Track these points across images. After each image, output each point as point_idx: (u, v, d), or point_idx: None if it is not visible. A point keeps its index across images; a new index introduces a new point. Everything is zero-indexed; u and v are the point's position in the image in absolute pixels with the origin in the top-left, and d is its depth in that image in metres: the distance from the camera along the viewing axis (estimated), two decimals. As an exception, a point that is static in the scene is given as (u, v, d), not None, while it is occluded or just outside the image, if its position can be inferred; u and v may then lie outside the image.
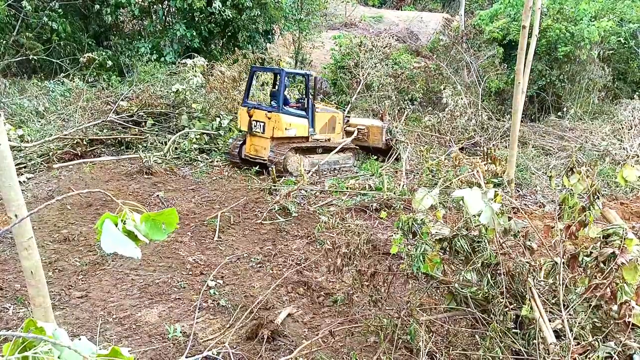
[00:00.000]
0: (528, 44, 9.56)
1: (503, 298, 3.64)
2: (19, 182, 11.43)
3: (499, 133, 15.00)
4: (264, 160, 11.79)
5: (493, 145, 13.46)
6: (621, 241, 3.63)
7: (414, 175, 11.54)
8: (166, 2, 20.19)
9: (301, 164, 11.80)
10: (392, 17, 33.08)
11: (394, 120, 14.93)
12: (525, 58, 9.54)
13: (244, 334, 5.78)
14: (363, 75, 19.40)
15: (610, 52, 21.79)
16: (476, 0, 33.27)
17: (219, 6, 18.60)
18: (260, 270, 7.51)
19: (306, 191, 10.42)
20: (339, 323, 5.84)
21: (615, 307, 3.69)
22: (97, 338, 5.86)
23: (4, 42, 18.15)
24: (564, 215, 3.98)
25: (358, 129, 13.56)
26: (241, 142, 12.45)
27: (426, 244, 4.02)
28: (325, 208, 9.77)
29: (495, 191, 3.87)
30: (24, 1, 17.68)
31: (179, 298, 6.76)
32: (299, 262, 7.67)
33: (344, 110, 15.15)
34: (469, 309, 3.84)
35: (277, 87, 12.24)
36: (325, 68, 22.78)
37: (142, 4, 20.43)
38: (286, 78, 12.14)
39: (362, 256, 4.65)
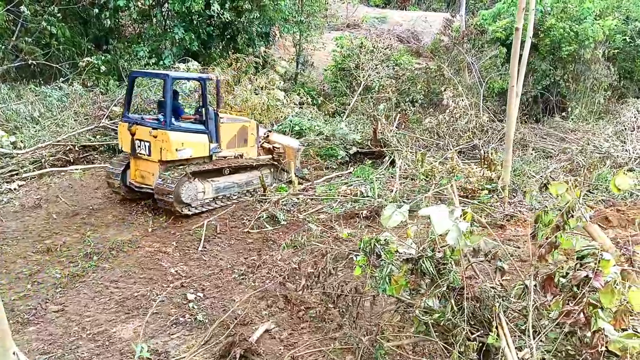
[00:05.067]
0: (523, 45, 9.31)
1: (467, 325, 3.42)
2: (11, 189, 11.38)
3: (499, 135, 14.70)
4: (152, 188, 9.50)
5: (492, 148, 13.17)
6: (595, 264, 3.40)
7: (410, 180, 11.26)
8: (166, 5, 20.07)
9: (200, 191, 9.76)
10: (396, 17, 32.78)
11: (390, 124, 14.65)
12: (520, 60, 9.28)
13: (218, 352, 5.59)
14: (363, 77, 19.19)
15: (616, 50, 21.43)
16: (481, 0, 32.93)
17: (217, 9, 18.42)
18: (242, 282, 7.32)
19: (297, 198, 10.20)
20: (316, 340, 5.63)
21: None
22: (67, 356, 5.71)
23: (3, 47, 18.07)
24: (538, 235, 3.76)
25: (274, 147, 11.69)
26: (124, 165, 10.06)
27: (392, 264, 3.82)
28: (314, 216, 9.56)
29: (464, 209, 3.65)
30: (23, 6, 17.61)
31: (156, 312, 6.58)
32: (282, 274, 7.47)
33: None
34: (431, 337, 3.62)
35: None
36: (326, 70, 22.59)
37: (143, 7, 20.33)
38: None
39: (328, 275, 4.46)
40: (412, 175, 11.32)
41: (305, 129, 14.21)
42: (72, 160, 12.28)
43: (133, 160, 9.91)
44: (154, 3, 19.88)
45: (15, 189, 10.84)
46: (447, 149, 13.31)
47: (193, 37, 19.17)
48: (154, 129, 9.32)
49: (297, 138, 13.70)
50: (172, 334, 6.11)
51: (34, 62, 18.28)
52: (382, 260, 3.89)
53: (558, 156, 13.43)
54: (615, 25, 20.45)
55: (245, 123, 10.97)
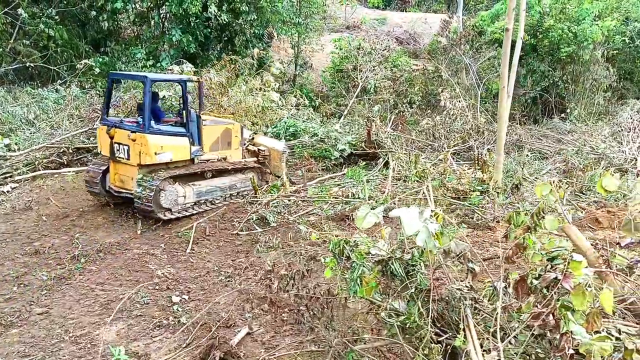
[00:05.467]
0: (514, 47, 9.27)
1: (435, 327, 3.37)
2: (4, 192, 11.36)
3: (495, 137, 14.61)
4: (132, 194, 9.27)
5: (487, 149, 13.10)
6: (565, 266, 3.35)
7: (403, 181, 11.20)
8: (164, 7, 20.09)
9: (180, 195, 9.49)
10: (396, 19, 32.77)
11: (384, 125, 14.59)
12: (511, 61, 9.24)
13: (198, 355, 5.55)
14: (361, 79, 19.17)
15: (615, 51, 21.34)
16: (481, 1, 32.88)
17: (214, 11, 18.43)
18: (228, 284, 7.28)
19: (288, 200, 10.15)
20: (296, 343, 5.59)
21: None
22: (48, 359, 5.69)
23: (1, 49, 18.12)
24: (510, 236, 3.71)
25: (259, 149, 11.44)
26: (104, 168, 9.81)
27: (364, 266, 3.77)
28: (305, 217, 9.52)
29: (433, 210, 3.61)
30: (20, 9, 17.65)
31: (140, 315, 6.56)
32: (258, 276, 7.41)
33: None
34: (398, 340, 3.57)
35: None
36: (324, 71, 22.57)
37: (141, 9, 20.37)
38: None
39: (301, 278, 4.42)
40: (405, 177, 11.24)
41: (300, 131, 14.17)
42: (65, 163, 12.29)
43: (112, 164, 9.72)
44: (152, 5, 19.91)
45: (8, 192, 10.84)
46: (442, 151, 13.25)
47: (190, 39, 19.17)
48: (132, 132, 9.06)
49: (290, 140, 13.67)
50: (154, 337, 6.08)
51: (31, 64, 18.31)
52: (353, 262, 3.84)
53: (553, 157, 13.35)
54: (614, 26, 20.38)
55: (228, 125, 10.71)
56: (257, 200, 9.99)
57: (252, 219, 9.34)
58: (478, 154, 11.90)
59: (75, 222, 9.33)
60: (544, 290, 3.37)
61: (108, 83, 10.11)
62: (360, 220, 4.03)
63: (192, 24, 19.17)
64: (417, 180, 10.65)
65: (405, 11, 36.18)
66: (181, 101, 9.98)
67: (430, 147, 14.35)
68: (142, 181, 9.09)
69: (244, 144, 11.24)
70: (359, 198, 9.88)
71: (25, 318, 6.49)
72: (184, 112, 9.72)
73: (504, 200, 9.04)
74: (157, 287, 7.23)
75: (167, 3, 18.60)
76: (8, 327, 6.28)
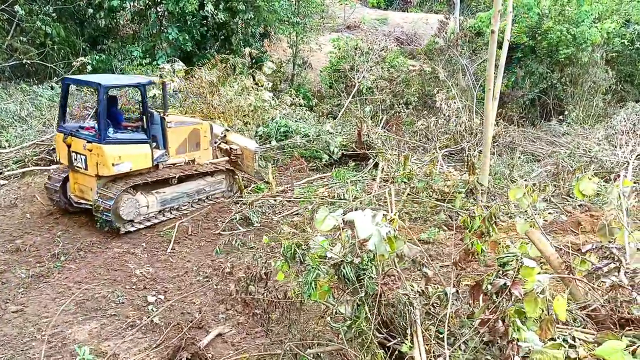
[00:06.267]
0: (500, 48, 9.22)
1: (382, 332, 3.32)
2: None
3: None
4: (91, 205, 8.76)
5: (479, 151, 13.01)
6: (514, 272, 3.30)
7: (390, 183, 11.14)
8: (162, 5, 20.08)
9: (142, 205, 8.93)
10: (397, 19, 32.66)
11: (376, 126, 14.52)
12: (498, 63, 9.19)
13: (167, 356, 5.53)
14: (358, 79, 19.11)
15: (615, 54, 21.21)
16: (483, 2, 32.74)
17: (211, 9, 18.42)
18: (205, 284, 7.27)
19: (274, 200, 10.12)
20: (265, 345, 5.56)
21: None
22: (17, 358, 5.68)
23: (-2, 46, 18.17)
24: (466, 240, 3.66)
25: (231, 148, 10.80)
26: (64, 176, 9.31)
27: (319, 269, 3.73)
28: (289, 218, 9.49)
29: (385, 213, 3.57)
30: (17, 6, 17.68)
31: (114, 314, 6.56)
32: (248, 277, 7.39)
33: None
34: (342, 345, 3.53)
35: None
36: (322, 71, 22.54)
37: (138, 6, 20.37)
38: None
39: (259, 280, 4.38)
40: (393, 178, 11.17)
41: (292, 131, 14.08)
42: (55, 160, 12.28)
43: (71, 174, 9.18)
44: (149, 3, 19.91)
45: (-3, 188, 10.85)
46: (434, 152, 13.18)
47: (187, 37, 19.16)
48: (88, 142, 8.44)
49: (282, 139, 13.60)
50: (125, 337, 6.07)
51: (28, 61, 18.33)
52: (308, 265, 3.81)
53: (545, 160, 13.26)
54: (614, 29, 20.24)
55: (196, 125, 10.07)
56: (242, 200, 9.95)
57: (236, 218, 9.31)
58: (467, 156, 11.82)
59: (59, 220, 9.32)
60: (494, 297, 3.33)
61: (63, 88, 9.51)
62: (319, 222, 4.00)
63: (189, 22, 19.17)
64: (404, 182, 10.58)
65: (407, 11, 36.04)
66: (141, 105, 9.32)
67: (422, 148, 14.28)
68: (100, 193, 8.60)
69: (216, 142, 10.78)
70: (344, 199, 9.83)
71: (0, 316, 6.49)
72: (144, 116, 9.07)
73: (489, 202, 8.98)
74: (134, 287, 7.22)
75: (164, 1, 18.60)
76: (-19, 325, 6.28)
